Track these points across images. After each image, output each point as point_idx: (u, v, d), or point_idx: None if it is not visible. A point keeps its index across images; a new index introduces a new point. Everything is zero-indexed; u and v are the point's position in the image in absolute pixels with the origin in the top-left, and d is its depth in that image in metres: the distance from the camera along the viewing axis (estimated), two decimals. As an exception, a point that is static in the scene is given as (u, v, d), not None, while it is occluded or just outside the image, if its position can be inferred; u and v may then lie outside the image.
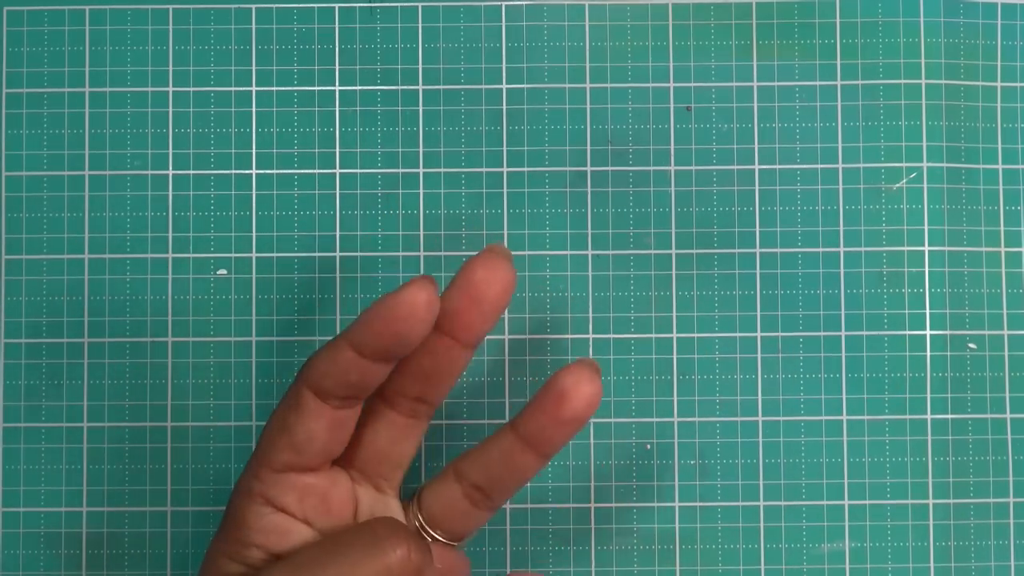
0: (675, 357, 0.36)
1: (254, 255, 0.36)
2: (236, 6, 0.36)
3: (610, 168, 0.36)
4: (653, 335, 0.36)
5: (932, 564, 0.35)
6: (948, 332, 0.36)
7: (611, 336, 0.36)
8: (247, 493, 0.29)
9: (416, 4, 0.36)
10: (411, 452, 0.30)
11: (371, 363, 0.27)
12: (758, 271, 0.36)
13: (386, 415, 0.30)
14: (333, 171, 0.36)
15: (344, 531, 0.29)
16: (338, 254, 0.36)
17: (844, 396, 0.36)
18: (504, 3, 0.36)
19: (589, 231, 0.36)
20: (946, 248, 0.36)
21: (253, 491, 0.29)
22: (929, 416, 0.35)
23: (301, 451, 0.28)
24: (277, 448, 0.29)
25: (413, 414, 0.30)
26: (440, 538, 0.30)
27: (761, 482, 0.35)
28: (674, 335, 0.36)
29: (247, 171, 0.36)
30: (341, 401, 0.28)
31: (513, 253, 0.36)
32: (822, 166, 0.36)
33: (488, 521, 0.31)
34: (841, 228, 0.36)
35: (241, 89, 0.36)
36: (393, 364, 0.28)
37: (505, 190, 0.36)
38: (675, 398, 0.36)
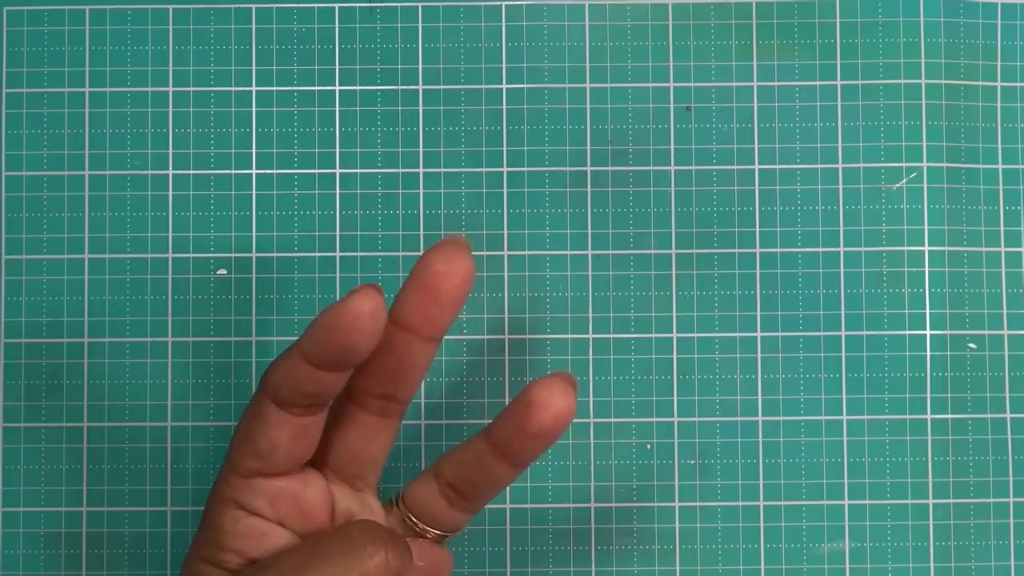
0: (675, 357, 0.36)
1: (254, 255, 0.36)
2: (236, 6, 0.36)
3: (610, 168, 0.36)
4: (653, 335, 0.36)
5: (932, 564, 0.35)
6: (948, 332, 0.36)
7: (611, 336, 0.36)
8: (220, 498, 0.29)
9: (416, 4, 0.36)
10: (384, 450, 0.30)
11: (325, 373, 0.27)
12: (758, 271, 0.36)
13: (355, 415, 0.29)
14: (333, 171, 0.36)
15: (322, 536, 0.28)
16: (338, 254, 0.36)
17: (844, 396, 0.36)
18: (504, 3, 0.36)
19: (589, 231, 0.36)
20: (946, 248, 0.36)
21: (225, 496, 0.29)
22: (929, 416, 0.35)
23: (265, 459, 0.28)
24: (243, 455, 0.28)
25: (383, 412, 0.29)
26: (430, 533, 0.30)
27: (761, 482, 0.35)
28: (674, 335, 0.36)
29: (247, 171, 0.36)
30: (302, 409, 0.28)
31: (513, 253, 0.36)
32: (822, 166, 0.36)
33: (470, 522, 0.31)
34: (841, 228, 0.36)
35: (241, 89, 0.36)
36: (349, 371, 0.27)
37: (505, 190, 0.36)
38: (675, 398, 0.36)
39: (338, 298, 0.35)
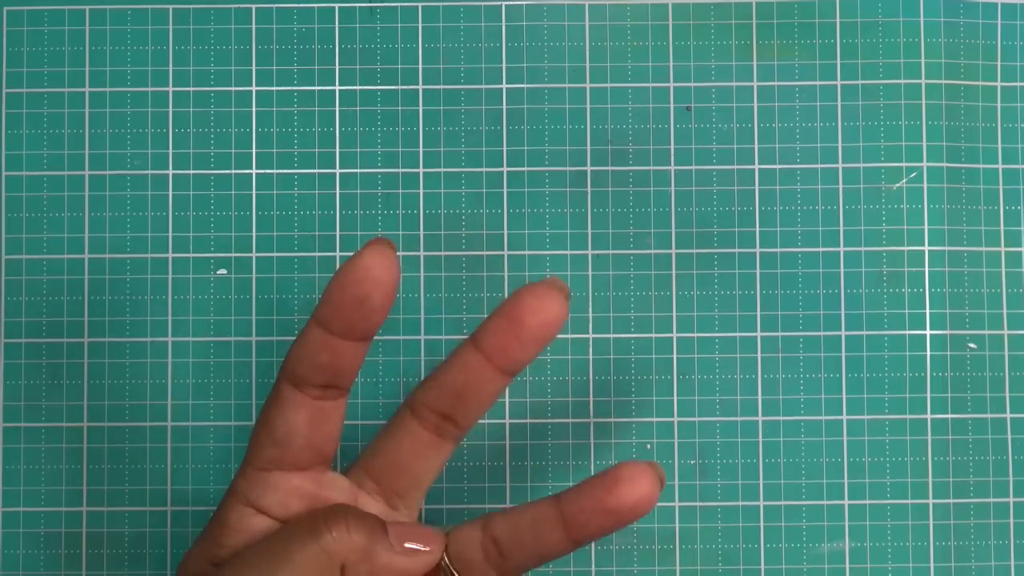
0: (675, 357, 0.36)
1: (254, 255, 0.36)
2: (236, 6, 0.36)
3: (610, 168, 0.36)
4: (653, 335, 0.36)
5: (932, 564, 0.35)
6: (948, 332, 0.36)
7: (611, 336, 0.36)
8: (233, 493, 0.28)
9: (416, 4, 0.36)
10: (432, 473, 0.29)
11: (340, 340, 0.26)
12: (758, 271, 0.36)
13: (411, 427, 0.29)
14: (333, 171, 0.36)
15: (292, 519, 0.28)
16: (338, 254, 0.36)
17: (844, 396, 0.36)
18: (504, 3, 0.36)
19: (589, 231, 0.36)
20: (946, 248, 0.36)
21: (238, 490, 0.28)
22: (929, 416, 0.35)
23: (283, 445, 0.28)
24: (260, 444, 0.28)
25: (439, 432, 0.29)
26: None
27: (761, 482, 0.35)
28: (674, 335, 0.36)
29: (247, 171, 0.36)
30: (320, 390, 0.27)
31: (513, 253, 0.36)
32: (822, 166, 0.36)
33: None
34: (841, 228, 0.36)
35: (241, 89, 0.36)
36: (365, 344, 0.27)
37: (505, 190, 0.36)
38: (675, 398, 0.36)
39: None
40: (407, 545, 0.28)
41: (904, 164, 0.36)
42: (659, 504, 0.35)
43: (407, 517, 0.30)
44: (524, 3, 0.36)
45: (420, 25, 0.36)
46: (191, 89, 0.36)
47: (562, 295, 0.27)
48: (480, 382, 0.28)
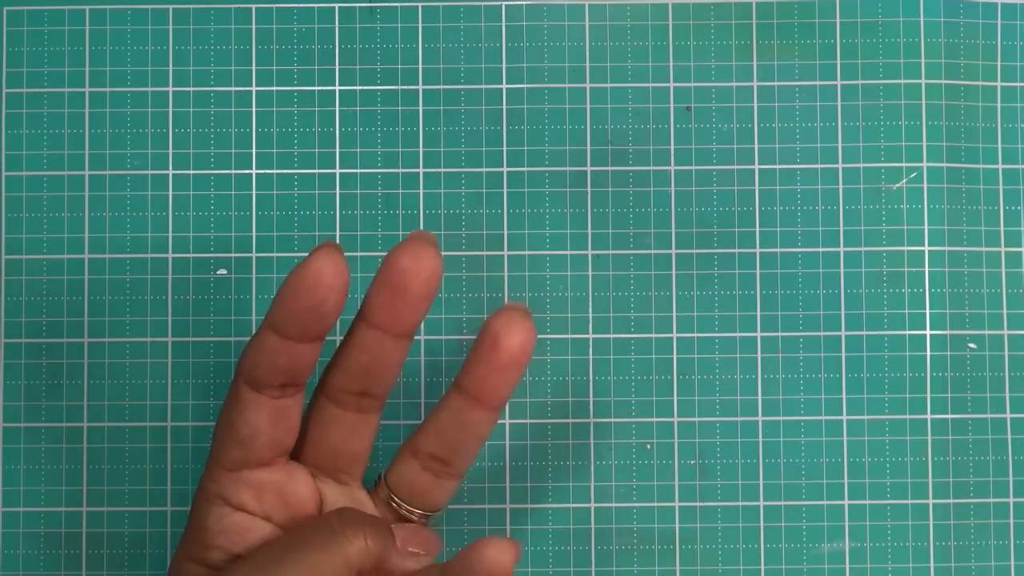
0: (675, 357, 0.36)
1: (254, 255, 0.36)
2: (236, 6, 0.36)
3: (610, 168, 0.36)
4: (653, 335, 0.36)
5: (932, 564, 0.35)
6: (948, 332, 0.36)
7: (611, 336, 0.36)
8: (205, 495, 0.29)
9: (416, 4, 0.36)
10: (366, 445, 0.30)
11: (295, 344, 0.27)
12: (758, 271, 0.36)
13: (332, 412, 0.29)
14: (333, 171, 0.36)
15: (302, 526, 0.28)
16: (338, 254, 0.36)
17: (844, 396, 0.36)
18: (504, 3, 0.36)
19: (589, 231, 0.36)
20: (946, 248, 0.36)
21: (210, 492, 0.29)
22: (929, 416, 0.35)
23: (248, 447, 0.28)
24: (225, 447, 0.28)
25: (360, 408, 0.29)
26: (415, 514, 0.30)
27: (761, 482, 0.35)
28: (674, 335, 0.36)
29: (247, 171, 0.36)
30: (278, 390, 0.28)
31: (513, 253, 0.36)
32: (822, 166, 0.36)
33: (455, 493, 0.30)
34: (841, 228, 0.36)
35: (241, 89, 0.36)
36: (320, 342, 0.27)
37: (505, 190, 0.36)
38: (675, 398, 0.36)
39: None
40: (410, 550, 0.29)
41: (904, 164, 0.36)
42: (659, 504, 0.35)
43: (356, 487, 0.30)
44: (524, 3, 0.36)
45: (420, 25, 0.36)
46: (191, 89, 0.36)
47: (431, 245, 0.27)
48: (383, 353, 0.28)
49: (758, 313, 0.36)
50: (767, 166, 0.36)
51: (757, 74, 0.36)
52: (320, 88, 0.36)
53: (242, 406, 0.28)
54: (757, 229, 0.36)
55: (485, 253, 0.36)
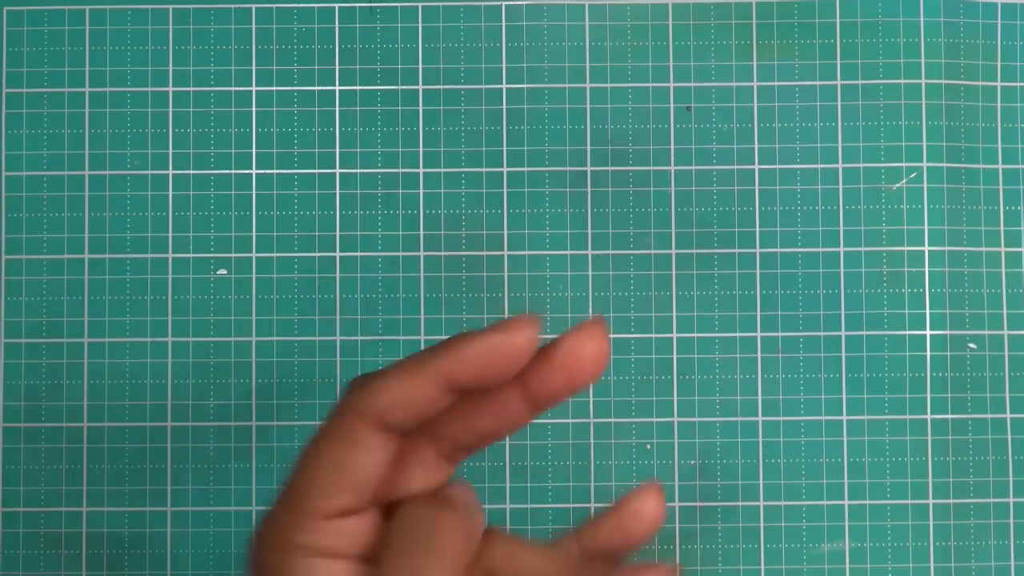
0: (675, 357, 0.36)
1: (254, 255, 0.36)
2: (236, 6, 0.36)
3: (610, 168, 0.36)
4: (653, 335, 0.36)
5: (932, 564, 0.35)
6: (948, 332, 0.36)
7: (611, 336, 0.36)
8: (289, 549, 0.24)
9: (416, 4, 0.36)
10: (429, 487, 0.27)
11: (451, 396, 0.24)
12: (758, 271, 0.36)
13: (422, 449, 0.26)
14: (333, 171, 0.36)
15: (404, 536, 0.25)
16: (338, 254, 0.36)
17: (844, 396, 0.36)
18: (504, 3, 0.36)
19: (589, 231, 0.36)
20: (946, 248, 0.36)
21: (298, 544, 0.24)
22: (929, 416, 0.35)
23: (360, 492, 0.25)
24: (327, 492, 0.24)
25: (451, 457, 0.26)
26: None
27: (761, 482, 0.35)
28: (674, 335, 0.36)
29: (247, 171, 0.36)
30: (403, 434, 0.25)
31: (513, 253, 0.36)
32: (822, 166, 0.36)
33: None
34: (841, 228, 0.36)
35: (241, 89, 0.36)
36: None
37: (505, 190, 0.36)
38: (675, 398, 0.36)
39: (337, 298, 0.35)
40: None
41: (904, 164, 0.36)
42: (659, 504, 0.35)
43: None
44: (524, 3, 0.36)
45: (420, 25, 0.36)
46: (191, 89, 0.36)
47: (606, 336, 0.25)
48: (512, 420, 0.26)
49: (758, 313, 0.36)
50: (767, 166, 0.36)
51: (757, 74, 0.36)
52: (320, 88, 0.36)
53: (360, 449, 0.24)
54: (757, 229, 0.36)
55: (485, 253, 0.36)
